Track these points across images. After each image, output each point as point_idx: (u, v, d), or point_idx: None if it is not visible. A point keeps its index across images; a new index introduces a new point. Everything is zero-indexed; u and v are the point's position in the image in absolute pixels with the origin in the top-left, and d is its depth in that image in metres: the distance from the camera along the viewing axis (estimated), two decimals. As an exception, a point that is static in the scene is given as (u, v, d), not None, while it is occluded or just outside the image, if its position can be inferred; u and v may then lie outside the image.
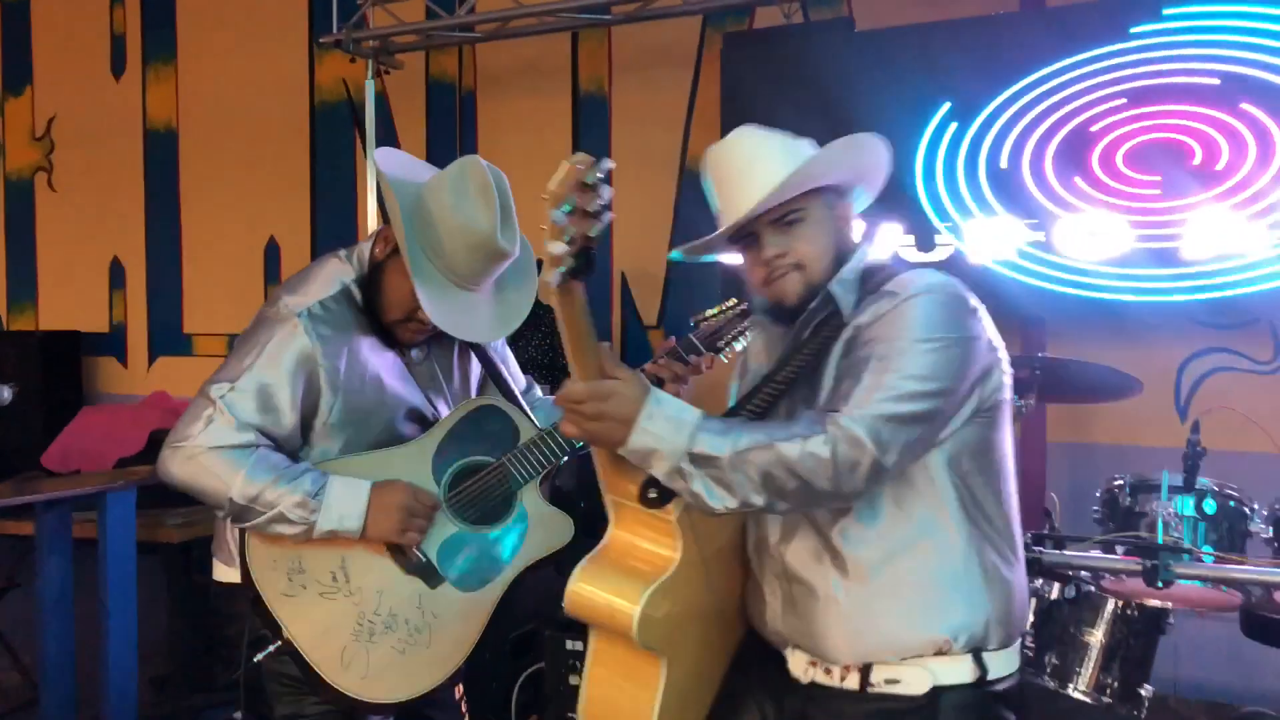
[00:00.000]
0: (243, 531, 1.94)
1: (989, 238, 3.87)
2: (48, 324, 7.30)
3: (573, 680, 3.16)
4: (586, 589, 1.65)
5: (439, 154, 5.78)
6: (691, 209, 5.01)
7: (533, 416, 2.12)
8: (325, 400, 1.96)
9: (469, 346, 2.18)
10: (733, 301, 2.01)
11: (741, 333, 1.98)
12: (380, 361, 2.04)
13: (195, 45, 6.67)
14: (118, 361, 7.04)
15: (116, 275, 7.03)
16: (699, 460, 1.45)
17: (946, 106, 3.95)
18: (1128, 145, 3.65)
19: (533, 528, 2.06)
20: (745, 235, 1.74)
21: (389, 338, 2.06)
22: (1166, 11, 3.57)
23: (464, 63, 5.61)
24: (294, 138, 6.31)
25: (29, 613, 4.55)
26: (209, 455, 1.87)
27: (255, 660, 1.94)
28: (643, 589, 1.59)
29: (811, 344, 1.67)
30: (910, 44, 4.07)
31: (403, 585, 1.97)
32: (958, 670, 1.57)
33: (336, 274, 2.02)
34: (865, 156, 1.83)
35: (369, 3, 5.14)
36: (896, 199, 3.99)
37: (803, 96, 4.20)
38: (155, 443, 5.37)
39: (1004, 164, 3.86)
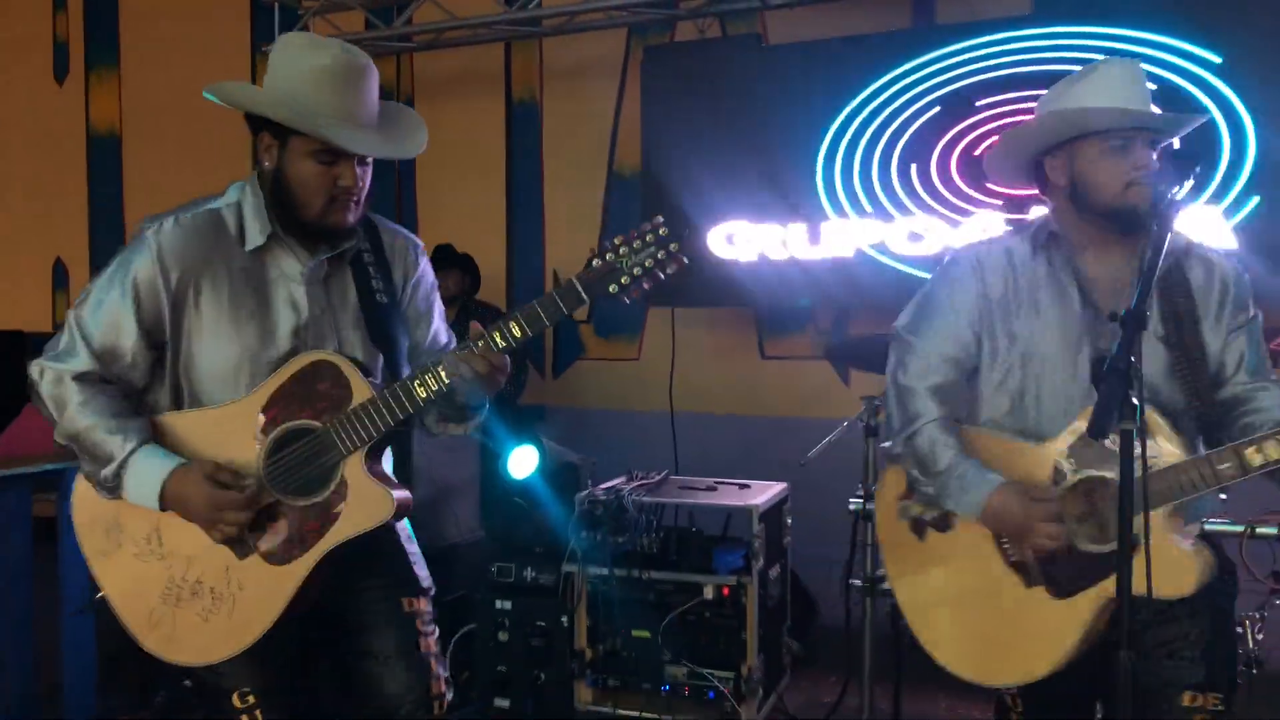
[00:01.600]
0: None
1: (882, 233, 4.26)
2: (-11, 324, 7.40)
3: (501, 637, 3.46)
4: None
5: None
6: (619, 210, 5.33)
7: (375, 381, 1.91)
8: (171, 320, 1.88)
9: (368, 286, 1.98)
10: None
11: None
12: (249, 287, 1.91)
13: (138, 52, 6.84)
14: (61, 361, 7.16)
15: (59, 276, 7.17)
16: None
17: (845, 113, 4.32)
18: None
19: (351, 501, 1.84)
20: (1119, 135, 1.87)
21: (301, 248, 1.93)
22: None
23: (402, 71, 5.88)
24: (237, 142, 6.48)
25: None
26: (49, 378, 1.86)
27: (86, 608, 2.05)
28: None
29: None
30: (813, 57, 4.44)
31: (213, 554, 1.88)
32: None
33: (201, 201, 1.94)
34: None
35: (310, 13, 5.39)
36: (801, 196, 4.38)
37: (716, 103, 4.57)
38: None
39: (895, 165, 4.25)
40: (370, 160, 1.92)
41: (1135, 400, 1.39)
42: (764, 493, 3.49)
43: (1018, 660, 1.88)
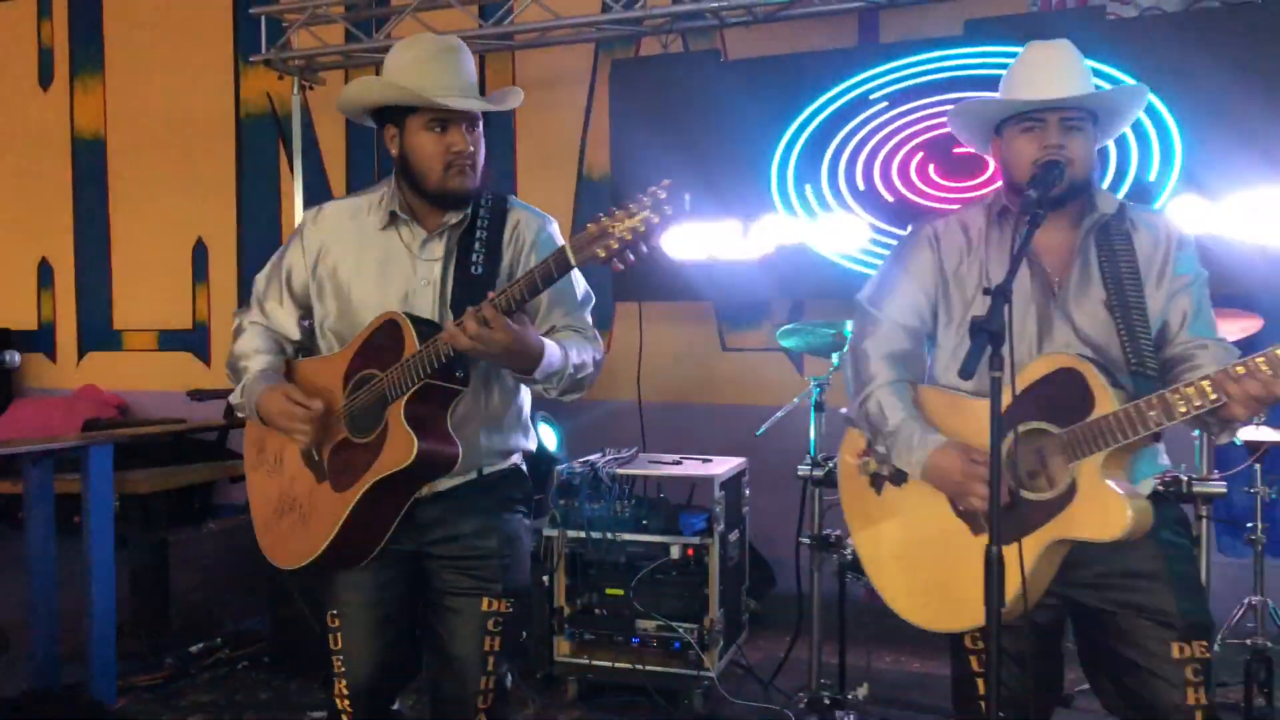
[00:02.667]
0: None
1: (832, 233, 4.67)
2: (-25, 323, 7.62)
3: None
4: None
5: (357, 160, 6.38)
6: (589, 210, 5.69)
7: (433, 336, 2.05)
8: (315, 287, 2.25)
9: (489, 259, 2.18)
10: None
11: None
12: (379, 259, 2.20)
13: (123, 59, 7.11)
14: (46, 357, 7.41)
15: (45, 275, 7.40)
16: None
17: (797, 122, 4.73)
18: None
19: (388, 442, 2.07)
20: (1032, 119, 2.00)
21: (418, 224, 2.19)
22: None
23: (381, 80, 6.20)
24: (220, 146, 6.81)
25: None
26: (236, 321, 2.35)
27: None
28: None
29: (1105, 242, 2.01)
30: (767, 72, 4.84)
31: (304, 476, 2.21)
32: None
33: (352, 193, 2.32)
34: (1134, 110, 2.11)
35: (295, 25, 5.70)
36: (757, 198, 4.78)
37: (679, 113, 4.96)
38: (89, 430, 5.83)
39: (842, 173, 4.66)
40: (480, 129, 2.17)
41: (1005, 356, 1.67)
42: (724, 465, 3.88)
43: (967, 607, 1.89)
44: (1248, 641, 3.53)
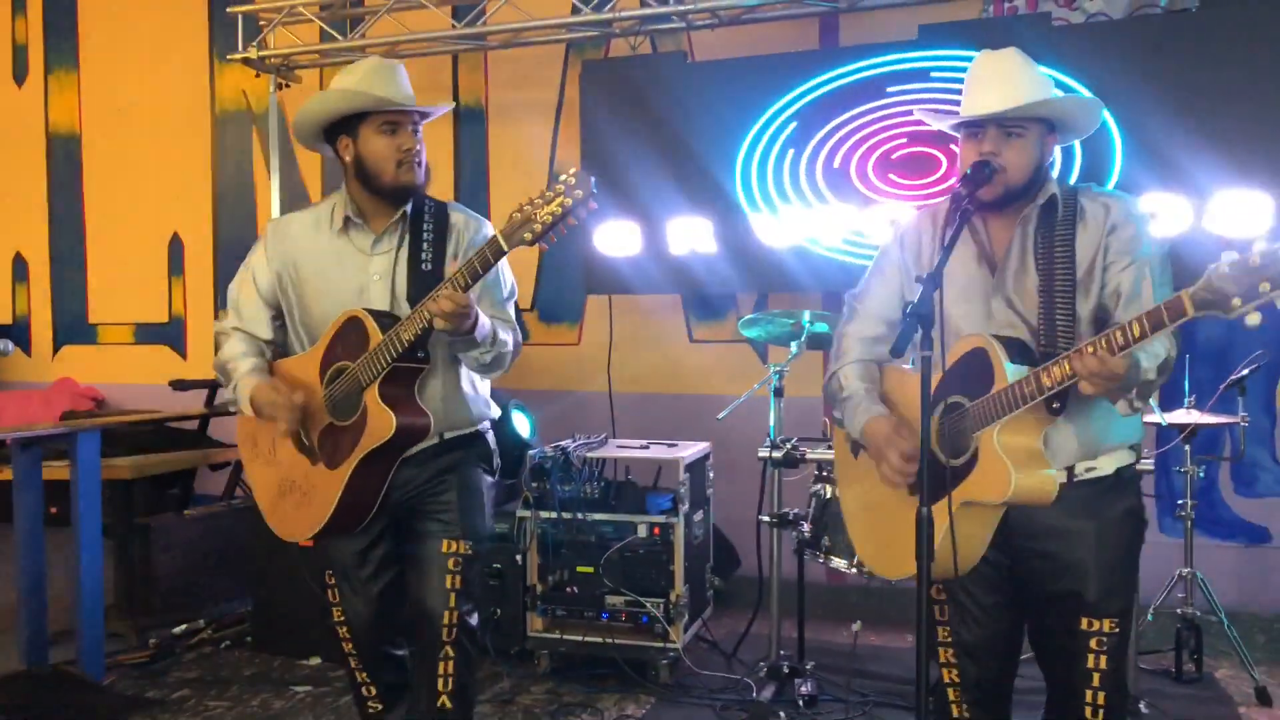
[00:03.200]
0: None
1: (794, 228, 4.87)
2: (-51, 316, 7.67)
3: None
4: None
5: (333, 159, 6.48)
6: (559, 207, 5.87)
7: (391, 326, 2.34)
8: (280, 290, 2.56)
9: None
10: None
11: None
12: (334, 260, 2.50)
13: (97, 56, 7.18)
14: (21, 351, 7.46)
15: (19, 269, 7.46)
16: None
17: (760, 122, 4.92)
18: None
19: (369, 423, 2.35)
20: (975, 125, 2.17)
21: (367, 224, 2.49)
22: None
23: (356, 78, 6.33)
24: (196, 142, 6.90)
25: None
26: (216, 329, 2.64)
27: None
28: None
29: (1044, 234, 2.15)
30: (732, 73, 5.02)
31: (299, 461, 2.52)
32: None
33: (314, 207, 2.62)
34: (1089, 116, 2.25)
35: (271, 25, 5.82)
36: (722, 194, 4.96)
37: (646, 113, 5.13)
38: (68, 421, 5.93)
39: (803, 170, 4.86)
40: (420, 132, 2.49)
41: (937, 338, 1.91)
42: (689, 449, 4.07)
43: (908, 559, 2.03)
44: (1178, 611, 3.78)
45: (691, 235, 5.07)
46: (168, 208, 6.98)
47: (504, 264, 2.54)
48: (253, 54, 5.84)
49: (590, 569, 3.84)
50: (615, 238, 5.21)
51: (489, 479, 2.66)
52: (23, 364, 7.47)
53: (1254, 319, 1.72)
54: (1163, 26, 4.47)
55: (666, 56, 5.37)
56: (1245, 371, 3.67)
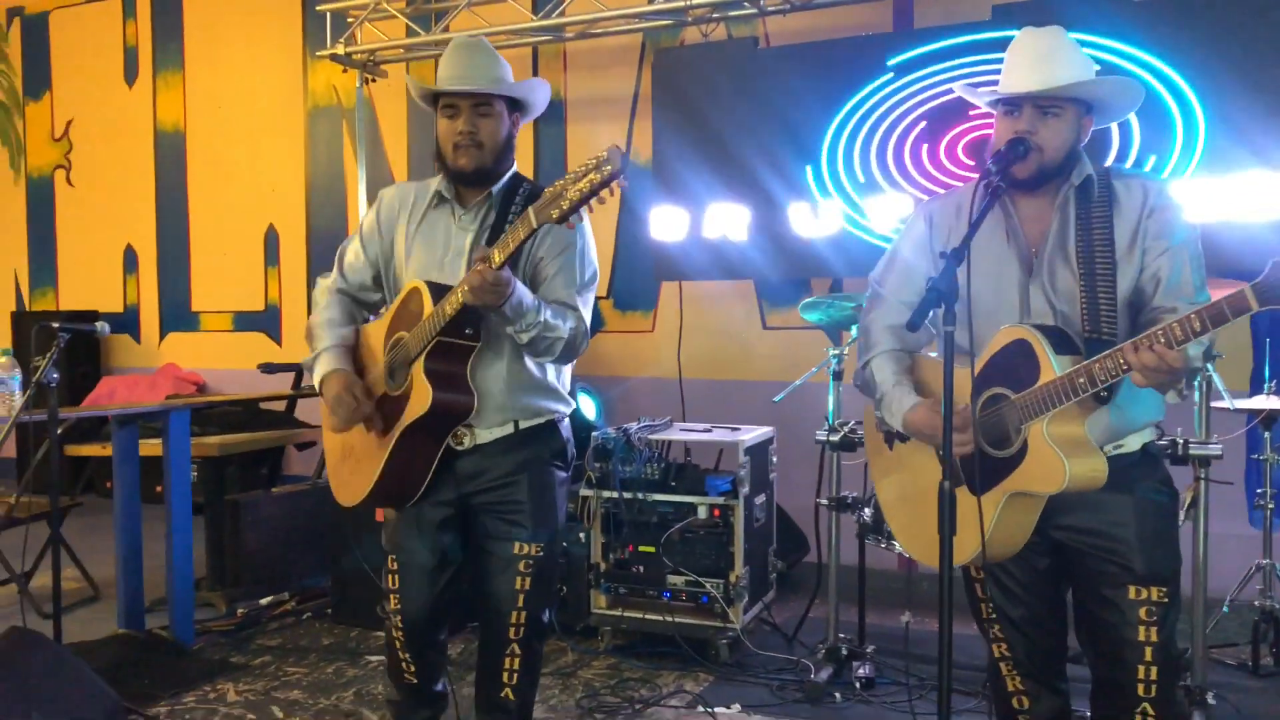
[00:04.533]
0: None
1: (871, 213, 4.84)
2: (67, 305, 8.15)
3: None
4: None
5: (418, 150, 6.70)
6: (635, 195, 5.92)
7: (440, 301, 2.34)
8: (383, 255, 2.61)
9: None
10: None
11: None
12: (427, 231, 2.54)
13: (201, 56, 7.54)
14: (131, 338, 7.91)
15: (130, 261, 7.90)
16: None
17: (846, 109, 4.90)
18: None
19: (412, 394, 2.37)
20: (1012, 103, 2.16)
21: (455, 203, 2.52)
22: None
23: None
24: (290, 137, 7.19)
25: (85, 527, 5.45)
26: (318, 287, 2.68)
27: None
28: None
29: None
30: (803, 57, 5.02)
31: (359, 431, 2.54)
32: None
33: (420, 181, 2.66)
34: (1128, 98, 2.23)
35: (358, 21, 6.03)
36: (794, 179, 4.96)
37: (718, 99, 5.16)
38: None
39: (874, 154, 4.83)
40: (495, 115, 2.46)
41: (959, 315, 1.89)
42: (751, 433, 4.09)
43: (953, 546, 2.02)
44: (1255, 603, 3.66)
45: (758, 222, 5.09)
46: (264, 200, 7.29)
47: (588, 248, 2.54)
48: (341, 50, 6.07)
49: (651, 548, 3.91)
50: (680, 225, 5.27)
51: (562, 474, 2.63)
52: (132, 350, 7.90)
53: None
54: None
55: (737, 42, 5.39)
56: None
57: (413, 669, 2.66)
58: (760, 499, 4.07)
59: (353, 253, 2.66)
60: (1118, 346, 1.92)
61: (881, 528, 3.57)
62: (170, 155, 7.67)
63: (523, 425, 2.53)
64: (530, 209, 2.16)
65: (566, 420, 2.66)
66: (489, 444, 2.51)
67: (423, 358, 2.35)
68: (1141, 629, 2.11)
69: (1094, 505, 2.12)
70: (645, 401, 5.47)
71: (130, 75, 7.82)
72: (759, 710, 3.40)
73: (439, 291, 2.37)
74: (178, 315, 7.75)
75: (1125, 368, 1.89)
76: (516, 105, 2.56)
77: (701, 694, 3.53)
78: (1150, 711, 2.11)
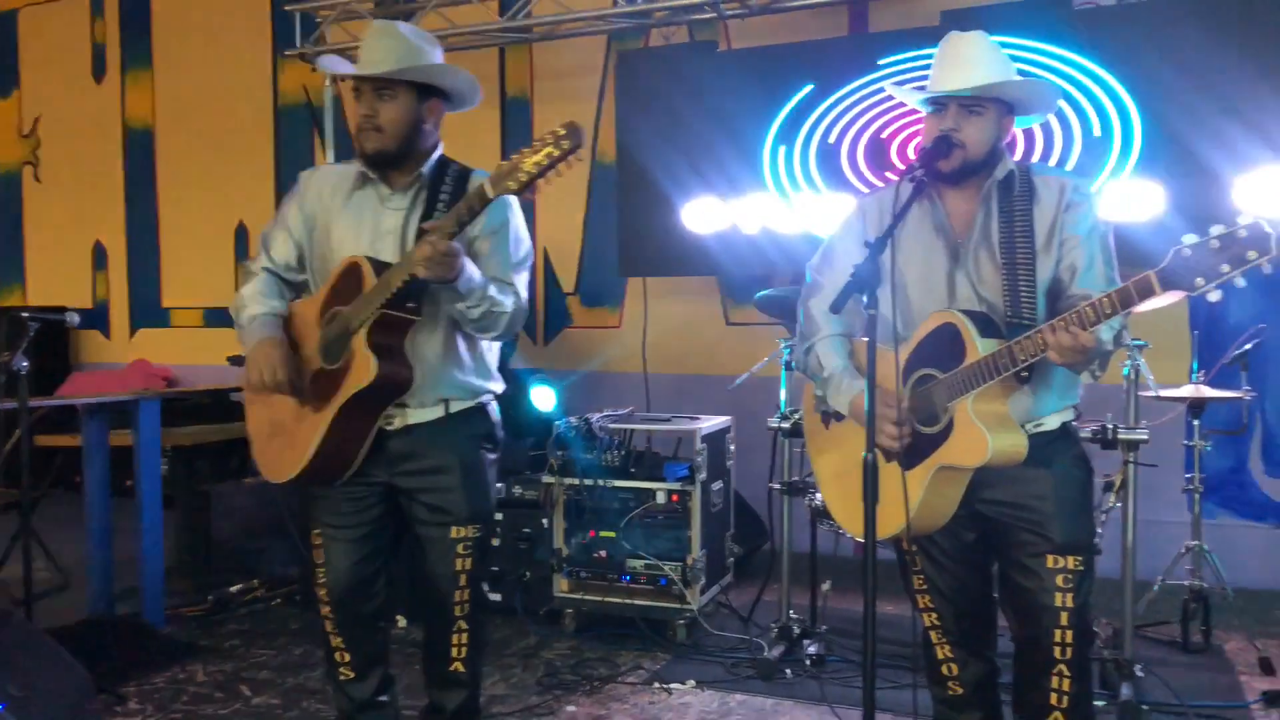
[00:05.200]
0: None
1: (820, 210, 4.99)
2: (35, 302, 8.16)
3: (494, 542, 4.22)
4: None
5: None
6: (600, 192, 6.05)
7: (385, 274, 2.37)
8: (306, 236, 2.60)
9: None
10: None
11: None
12: (353, 212, 2.54)
13: (170, 54, 7.60)
14: (100, 334, 7.94)
15: (99, 257, 7.93)
16: None
17: (788, 108, 5.06)
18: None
19: (353, 367, 2.37)
20: (939, 103, 2.30)
21: (376, 188, 2.54)
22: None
23: (408, 71, 6.60)
24: (259, 135, 7.27)
25: (54, 520, 5.50)
26: (244, 271, 2.66)
27: None
28: None
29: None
30: (761, 60, 5.17)
31: (289, 403, 2.52)
32: None
33: (343, 163, 2.69)
34: (1045, 99, 2.37)
35: (327, 21, 6.12)
36: (752, 179, 5.11)
37: (680, 100, 5.30)
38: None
39: (829, 154, 4.99)
40: (391, 98, 2.45)
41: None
42: (709, 422, 4.24)
43: (882, 520, 2.18)
44: (1186, 583, 3.85)
45: (722, 219, 5.23)
46: (234, 197, 7.36)
47: (519, 226, 2.58)
48: (309, 50, 6.15)
49: (612, 534, 4.04)
50: (645, 223, 5.40)
51: (491, 456, 2.67)
52: (102, 346, 7.94)
53: (1214, 296, 1.88)
54: (1187, 8, 4.48)
55: (697, 45, 5.54)
56: (1247, 346, 3.71)
57: (347, 658, 2.63)
58: (717, 485, 4.22)
59: (279, 235, 2.65)
60: (1037, 329, 2.07)
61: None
62: (139, 152, 7.72)
63: (453, 408, 2.58)
64: (485, 181, 2.21)
65: (494, 403, 2.70)
66: (419, 425, 2.54)
67: (365, 330, 2.36)
68: (1058, 595, 2.25)
69: (1015, 479, 2.26)
70: (611, 395, 5.59)
71: (98, 72, 7.85)
72: (713, 686, 3.54)
73: (380, 267, 2.40)
74: (148, 311, 7.79)
75: (1044, 348, 2.04)
76: (432, 92, 2.53)
77: (658, 671, 3.67)
78: (1065, 672, 2.26)
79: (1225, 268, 1.84)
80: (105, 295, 7.93)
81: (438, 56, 2.57)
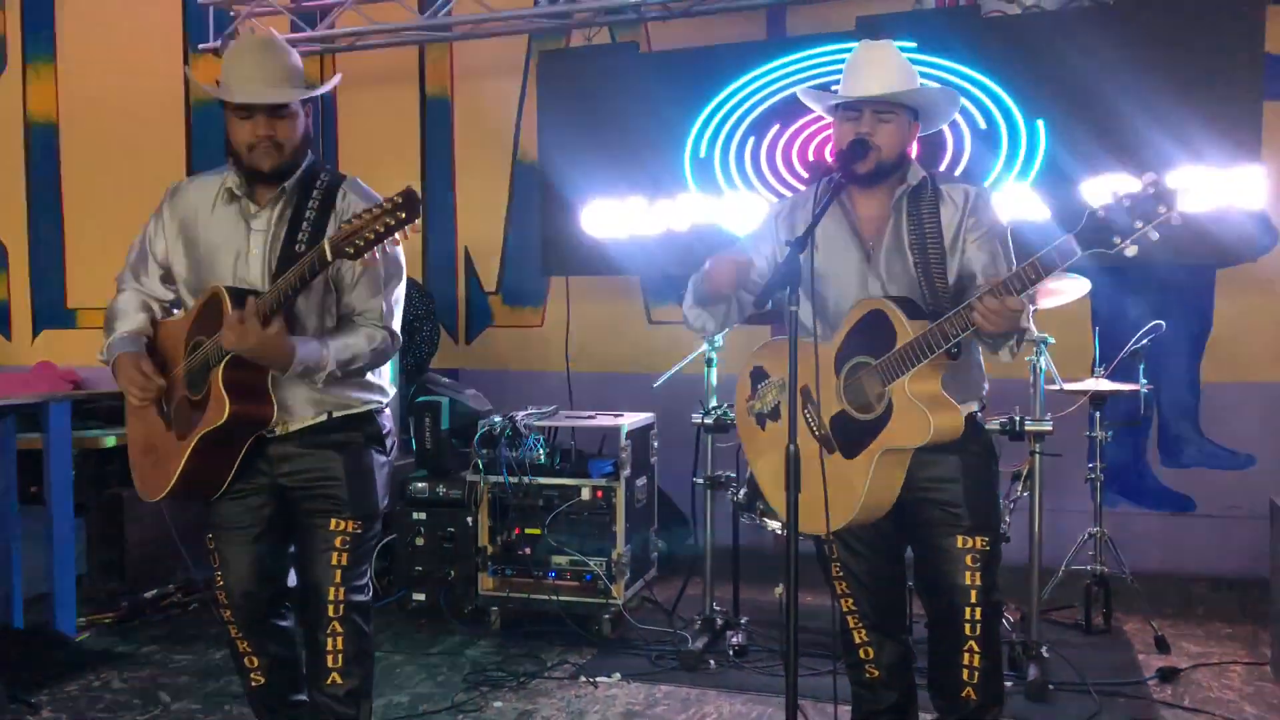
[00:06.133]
0: None
1: (740, 209, 5.09)
2: (-71, 303, 7.83)
3: (418, 542, 4.21)
4: None
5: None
6: (522, 192, 6.06)
7: (246, 302, 2.30)
8: (171, 252, 2.56)
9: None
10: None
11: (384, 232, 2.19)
12: (219, 230, 2.49)
13: (75, 47, 7.35)
14: (1, 336, 7.65)
15: (0, 256, 7.64)
16: None
17: (709, 109, 5.15)
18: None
19: (210, 403, 2.36)
20: (852, 108, 2.40)
21: (246, 203, 2.48)
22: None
23: (325, 70, 6.49)
24: (171, 131, 7.08)
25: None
26: (118, 286, 2.65)
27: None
28: None
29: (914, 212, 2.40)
30: (682, 62, 5.25)
31: (159, 424, 2.52)
32: None
33: (207, 174, 2.59)
34: (949, 106, 2.50)
35: (241, 17, 6.01)
36: (673, 179, 5.18)
37: (601, 101, 5.35)
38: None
39: (748, 154, 5.09)
40: (289, 115, 2.42)
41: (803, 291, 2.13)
42: (632, 419, 4.29)
43: (819, 514, 2.29)
44: (1088, 568, 4.03)
45: (644, 218, 5.30)
46: (145, 195, 6.98)
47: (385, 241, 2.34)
48: (223, 45, 6.04)
49: (537, 530, 4.07)
50: (567, 222, 5.43)
51: (381, 458, 2.61)
52: (2, 348, 7.65)
53: (1132, 250, 2.03)
54: (1090, 18, 4.69)
55: (620, 47, 5.60)
56: (1145, 342, 3.90)
57: (255, 662, 2.59)
58: (641, 481, 4.27)
59: (141, 256, 2.63)
60: (966, 302, 2.18)
61: (754, 505, 3.80)
62: (42, 148, 7.46)
63: (337, 414, 2.54)
64: (326, 242, 2.23)
65: (387, 410, 2.66)
66: (301, 430, 2.51)
67: (220, 368, 2.34)
68: (968, 574, 2.37)
69: (927, 464, 2.37)
70: (534, 394, 5.60)
71: (-2, 65, 7.57)
72: (638, 679, 3.59)
73: (239, 296, 2.34)
74: (52, 312, 7.53)
75: (973, 320, 2.15)
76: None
77: (584, 665, 3.71)
78: (976, 649, 2.38)
79: (1139, 224, 1.98)
80: (5, 295, 7.65)
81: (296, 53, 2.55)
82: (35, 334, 7.59)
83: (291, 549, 2.62)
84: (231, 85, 2.44)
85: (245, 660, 2.61)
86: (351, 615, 2.52)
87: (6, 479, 4.00)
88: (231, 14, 6.06)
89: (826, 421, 2.43)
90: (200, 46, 6.20)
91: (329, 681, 2.51)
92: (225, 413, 2.33)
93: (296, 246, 2.42)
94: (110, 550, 4.64)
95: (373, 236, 2.15)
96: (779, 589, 3.85)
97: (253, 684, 2.63)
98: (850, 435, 2.35)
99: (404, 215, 2.14)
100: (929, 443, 2.26)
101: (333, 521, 2.50)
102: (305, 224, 2.46)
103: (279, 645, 2.63)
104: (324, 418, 2.52)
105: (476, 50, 6.14)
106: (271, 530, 2.57)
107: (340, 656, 2.51)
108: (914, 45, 4.66)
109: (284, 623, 2.65)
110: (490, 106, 6.21)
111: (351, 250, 2.17)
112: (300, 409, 2.49)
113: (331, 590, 2.50)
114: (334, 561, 2.50)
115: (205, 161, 6.98)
